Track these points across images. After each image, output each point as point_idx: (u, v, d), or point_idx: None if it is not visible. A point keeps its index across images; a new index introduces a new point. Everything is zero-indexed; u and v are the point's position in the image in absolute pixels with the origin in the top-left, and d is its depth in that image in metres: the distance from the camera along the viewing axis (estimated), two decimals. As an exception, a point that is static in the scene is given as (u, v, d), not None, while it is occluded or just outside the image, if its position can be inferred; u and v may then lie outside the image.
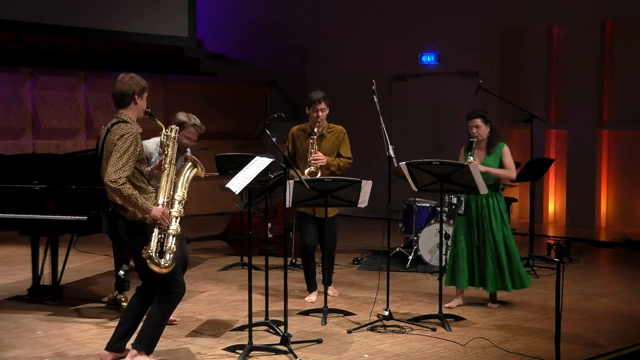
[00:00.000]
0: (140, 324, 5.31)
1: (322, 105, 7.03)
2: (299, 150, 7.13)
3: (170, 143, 5.26)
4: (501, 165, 6.88)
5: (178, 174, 5.26)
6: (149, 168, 5.31)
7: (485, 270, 6.82)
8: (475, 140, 6.84)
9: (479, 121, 6.85)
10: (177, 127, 5.41)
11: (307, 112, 7.11)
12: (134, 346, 5.22)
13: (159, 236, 5.05)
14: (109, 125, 5.20)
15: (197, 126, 6.31)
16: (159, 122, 5.33)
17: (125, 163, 4.98)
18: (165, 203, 5.10)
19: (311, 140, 7.00)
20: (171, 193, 5.16)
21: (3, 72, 12.26)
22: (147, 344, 5.23)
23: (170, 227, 5.08)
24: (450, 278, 6.99)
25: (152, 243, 5.01)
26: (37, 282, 7.24)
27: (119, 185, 4.92)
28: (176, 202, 5.16)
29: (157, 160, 5.83)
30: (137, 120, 5.26)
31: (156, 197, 5.12)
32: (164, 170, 5.22)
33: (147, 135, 6.26)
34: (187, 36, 14.64)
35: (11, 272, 8.43)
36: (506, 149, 6.92)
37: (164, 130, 5.29)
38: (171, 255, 5.05)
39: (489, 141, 6.89)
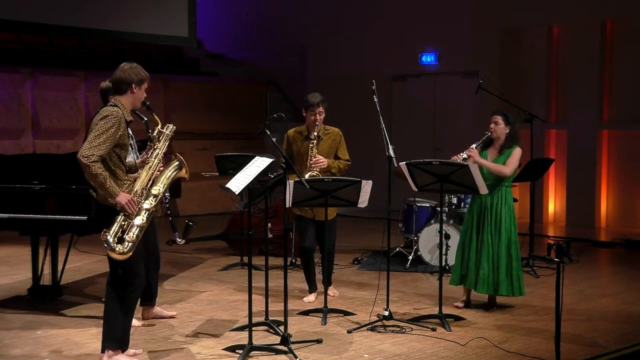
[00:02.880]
0: (104, 324, 5.21)
1: (320, 109, 7.01)
2: (295, 153, 7.10)
3: (162, 139, 5.31)
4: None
5: (162, 171, 5.27)
6: (132, 159, 5.29)
7: (479, 272, 6.76)
8: (489, 134, 6.82)
9: (499, 118, 6.82)
10: (174, 126, 5.40)
11: (304, 114, 7.08)
12: (107, 347, 5.15)
13: (123, 223, 4.99)
14: (99, 108, 5.20)
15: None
16: (155, 116, 5.35)
17: (102, 142, 4.91)
18: (139, 193, 5.07)
19: (311, 145, 6.97)
20: (148, 186, 5.14)
21: (3, 72, 12.26)
22: (119, 341, 5.17)
23: (137, 218, 5.02)
24: (457, 277, 6.93)
25: (113, 227, 4.95)
26: (37, 282, 7.23)
27: (90, 162, 4.86)
28: (151, 196, 5.13)
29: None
30: (131, 113, 5.23)
31: (132, 186, 5.11)
32: (147, 163, 5.22)
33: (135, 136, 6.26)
34: (187, 36, 14.62)
35: (11, 272, 8.43)
36: (517, 151, 6.79)
37: (159, 126, 5.32)
38: (129, 245, 4.96)
39: (505, 142, 6.83)
